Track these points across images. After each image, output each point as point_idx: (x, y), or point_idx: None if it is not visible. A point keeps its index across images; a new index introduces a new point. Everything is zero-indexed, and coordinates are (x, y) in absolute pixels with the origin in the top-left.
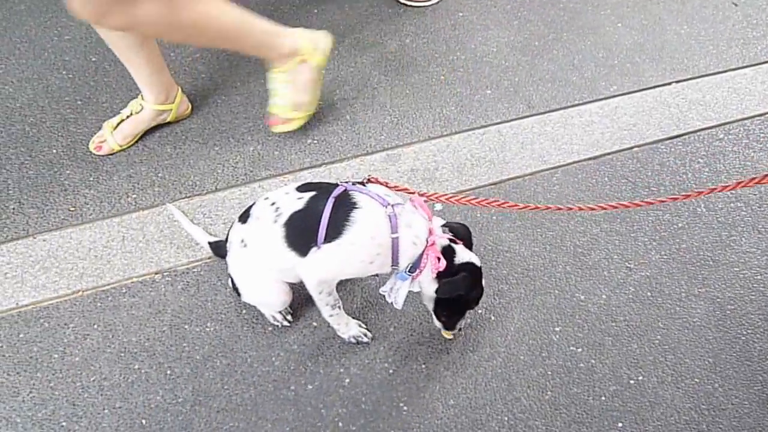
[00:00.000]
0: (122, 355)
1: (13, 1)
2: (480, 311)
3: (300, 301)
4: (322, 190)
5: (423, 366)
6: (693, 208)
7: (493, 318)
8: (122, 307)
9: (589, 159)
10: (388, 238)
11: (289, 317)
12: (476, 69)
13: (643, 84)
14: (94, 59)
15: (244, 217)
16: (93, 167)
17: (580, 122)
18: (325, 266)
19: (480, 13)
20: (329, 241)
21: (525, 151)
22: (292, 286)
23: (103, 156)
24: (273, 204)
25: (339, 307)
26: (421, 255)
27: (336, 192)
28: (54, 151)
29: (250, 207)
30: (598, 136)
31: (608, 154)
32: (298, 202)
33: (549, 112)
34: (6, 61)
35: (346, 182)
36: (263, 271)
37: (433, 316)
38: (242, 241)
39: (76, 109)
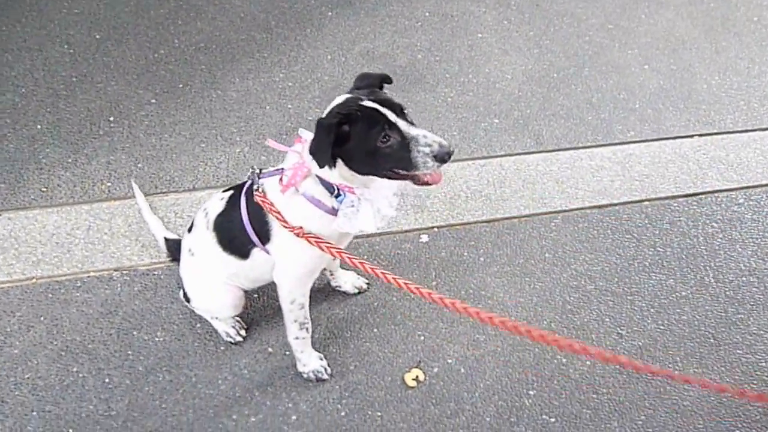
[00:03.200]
0: (63, 354)
1: None
2: (449, 361)
3: (257, 321)
4: (237, 187)
5: (378, 414)
6: (701, 277)
7: (462, 370)
8: (73, 302)
9: (594, 207)
10: (302, 198)
11: (242, 332)
12: (487, 95)
13: (663, 133)
14: (98, 36)
15: (190, 227)
16: (73, 149)
17: (589, 166)
18: (292, 262)
19: (500, 36)
20: (267, 240)
21: (525, 190)
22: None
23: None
24: (204, 210)
25: (307, 330)
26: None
27: (245, 188)
28: (38, 126)
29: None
30: (606, 184)
31: (615, 204)
32: (220, 203)
33: (557, 150)
34: (10, 28)
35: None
36: (213, 276)
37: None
38: (189, 250)
39: (69, 86)
